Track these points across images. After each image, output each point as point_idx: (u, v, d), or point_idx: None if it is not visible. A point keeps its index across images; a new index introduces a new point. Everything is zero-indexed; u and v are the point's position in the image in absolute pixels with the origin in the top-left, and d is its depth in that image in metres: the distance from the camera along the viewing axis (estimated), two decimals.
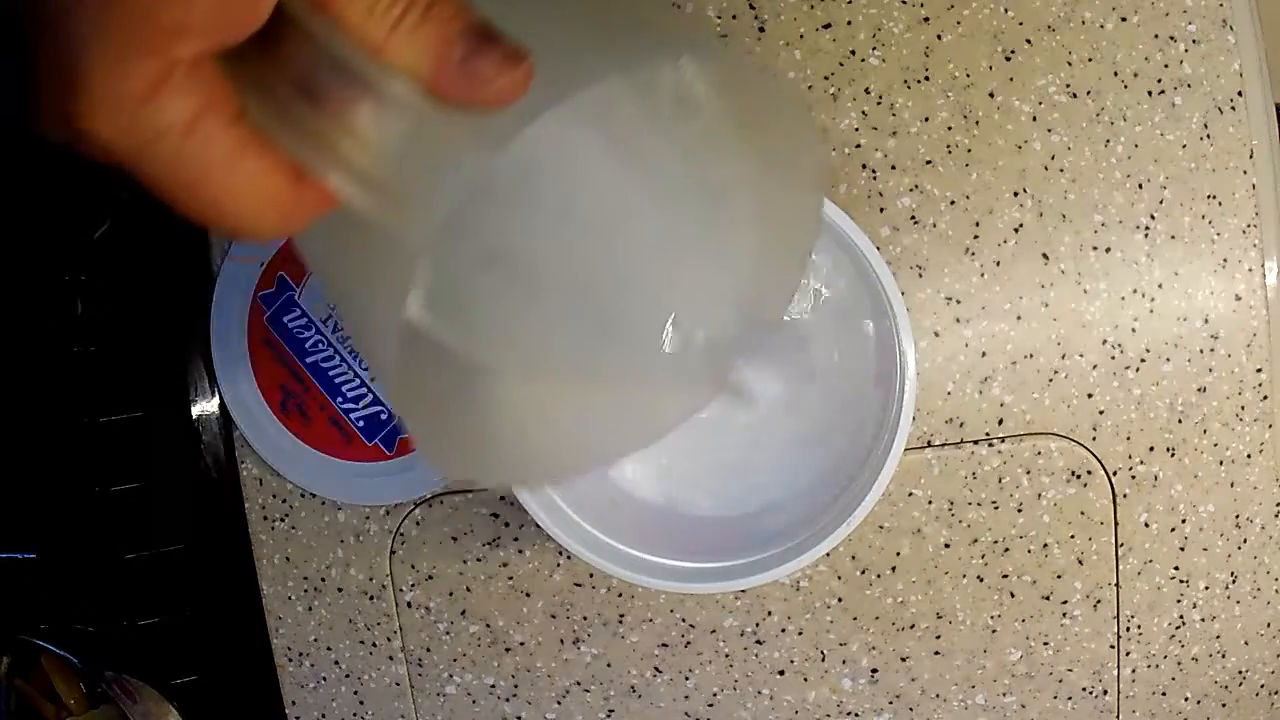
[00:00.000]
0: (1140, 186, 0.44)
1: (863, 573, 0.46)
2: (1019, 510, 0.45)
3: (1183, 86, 0.43)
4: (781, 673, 0.47)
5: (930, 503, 0.45)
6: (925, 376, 0.44)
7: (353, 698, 0.48)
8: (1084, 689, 0.47)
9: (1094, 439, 0.44)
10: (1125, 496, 0.45)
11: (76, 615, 0.47)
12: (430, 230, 0.20)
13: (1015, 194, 0.44)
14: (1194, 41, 0.43)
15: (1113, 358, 0.44)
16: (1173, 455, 0.45)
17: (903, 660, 0.46)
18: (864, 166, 0.44)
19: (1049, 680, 0.47)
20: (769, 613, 0.46)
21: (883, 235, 0.44)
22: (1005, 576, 0.45)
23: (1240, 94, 0.43)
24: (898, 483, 0.45)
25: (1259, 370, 0.44)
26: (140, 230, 0.47)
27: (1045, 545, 0.45)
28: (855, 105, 0.44)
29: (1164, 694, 0.47)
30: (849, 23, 0.44)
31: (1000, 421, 0.44)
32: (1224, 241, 0.44)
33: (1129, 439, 0.44)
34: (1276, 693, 0.48)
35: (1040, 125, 0.43)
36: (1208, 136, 0.44)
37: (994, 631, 0.46)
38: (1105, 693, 0.47)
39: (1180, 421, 0.44)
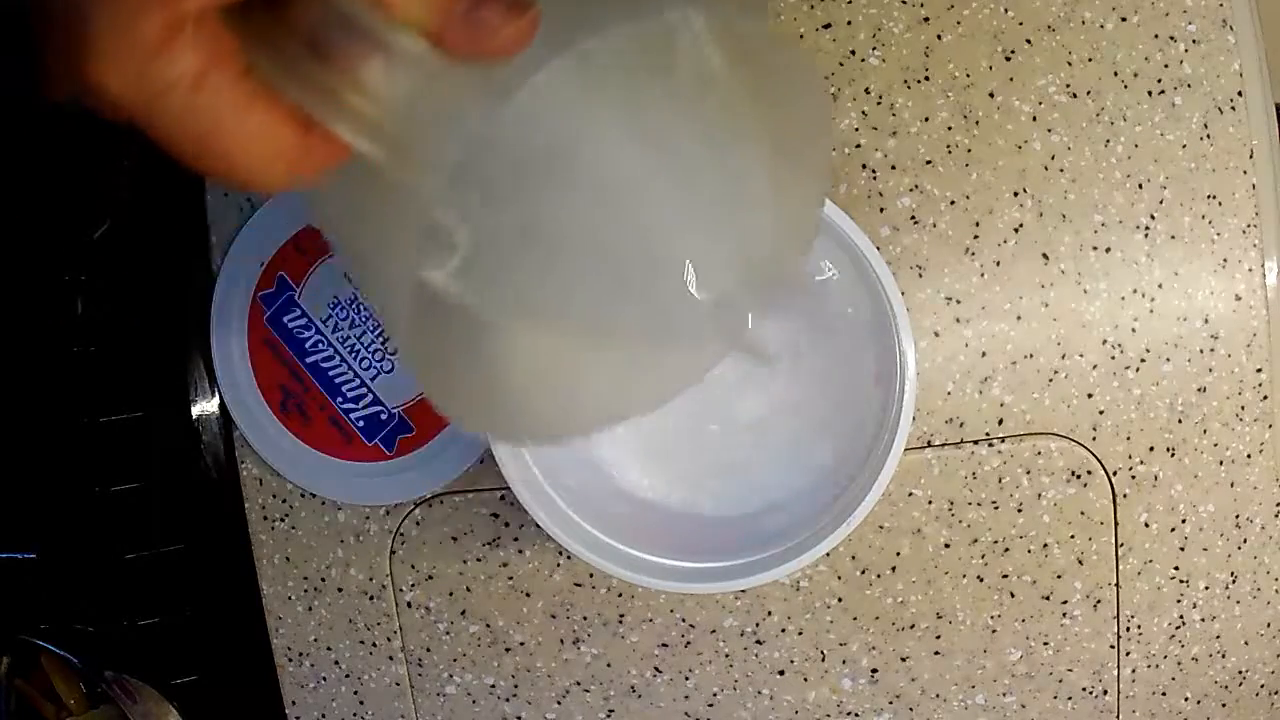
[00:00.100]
0: (1140, 186, 0.44)
1: (863, 573, 0.46)
2: (1019, 510, 0.45)
3: (1183, 86, 0.43)
4: (781, 673, 0.47)
5: (930, 503, 0.45)
6: (925, 376, 0.44)
7: (353, 698, 0.48)
8: (1084, 689, 0.47)
9: (1094, 439, 0.44)
10: (1125, 496, 0.45)
11: (76, 615, 0.47)
12: (440, 178, 0.20)
13: (1015, 194, 0.44)
14: (1194, 41, 0.43)
15: (1113, 358, 0.44)
16: (1173, 455, 0.45)
17: (903, 660, 0.46)
18: (864, 166, 0.44)
19: (1049, 680, 0.47)
20: (769, 613, 0.46)
21: (883, 235, 0.44)
22: (1005, 576, 0.45)
23: (1240, 94, 0.43)
24: (898, 483, 0.45)
25: (1259, 370, 0.44)
26: (140, 230, 0.47)
27: (1045, 545, 0.45)
28: (855, 105, 0.44)
29: (1164, 694, 0.47)
30: (849, 23, 0.44)
31: (1000, 421, 0.44)
32: (1224, 241, 0.44)
33: (1129, 439, 0.44)
34: (1276, 693, 0.48)
35: (1040, 125, 0.43)
36: (1208, 136, 0.44)
37: (994, 631, 0.46)
38: (1105, 693, 0.47)
39: (1180, 421, 0.44)
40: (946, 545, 0.45)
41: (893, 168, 0.44)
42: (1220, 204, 0.44)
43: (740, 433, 0.42)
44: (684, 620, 0.46)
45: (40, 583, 0.47)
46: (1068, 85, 0.43)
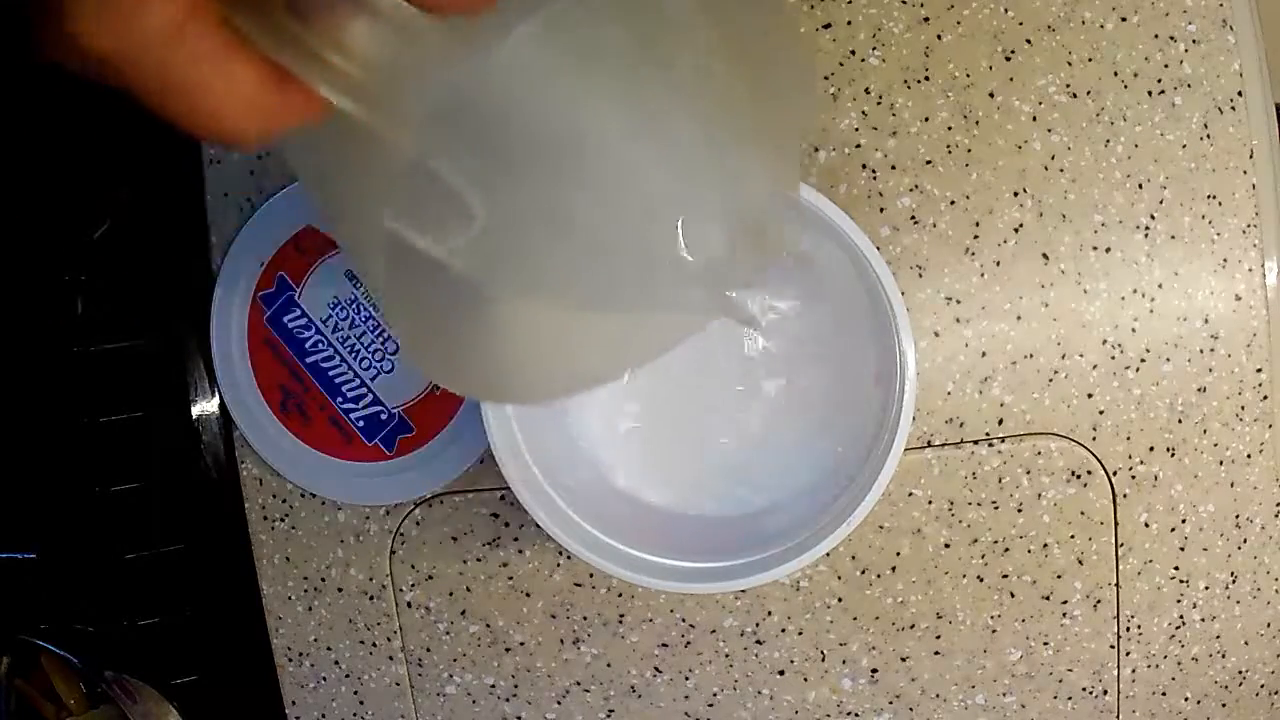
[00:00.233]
0: (1140, 186, 0.44)
1: (863, 573, 0.46)
2: (1019, 510, 0.45)
3: (1183, 86, 0.43)
4: (781, 673, 0.47)
5: (930, 503, 0.45)
6: (925, 376, 0.44)
7: (353, 698, 0.48)
8: (1084, 689, 0.47)
9: (1094, 439, 0.44)
10: (1125, 496, 0.45)
11: (76, 615, 0.47)
12: (419, 130, 0.21)
13: (1015, 194, 0.44)
14: (1194, 41, 0.43)
15: (1113, 358, 0.44)
16: (1173, 455, 0.45)
17: (903, 660, 0.46)
18: (864, 166, 0.44)
19: (1049, 680, 0.47)
20: (769, 613, 0.46)
21: (883, 235, 0.44)
22: (1005, 576, 0.45)
23: (1240, 94, 0.43)
24: (898, 483, 0.45)
25: (1259, 370, 0.44)
26: (140, 230, 0.47)
27: (1045, 545, 0.45)
28: (855, 105, 0.44)
29: (1164, 694, 0.47)
30: (849, 23, 0.44)
31: (1000, 421, 0.44)
32: (1224, 241, 0.44)
33: (1129, 439, 0.44)
34: (1276, 693, 0.48)
35: (1040, 125, 0.43)
36: (1208, 136, 0.44)
37: (994, 631, 0.46)
38: (1105, 693, 0.47)
39: (1180, 421, 0.44)
40: (946, 545, 0.45)
41: (893, 168, 0.44)
42: (1220, 204, 0.44)
43: (740, 433, 0.42)
44: (684, 620, 0.46)
45: (40, 583, 0.47)
46: (1068, 85, 0.43)
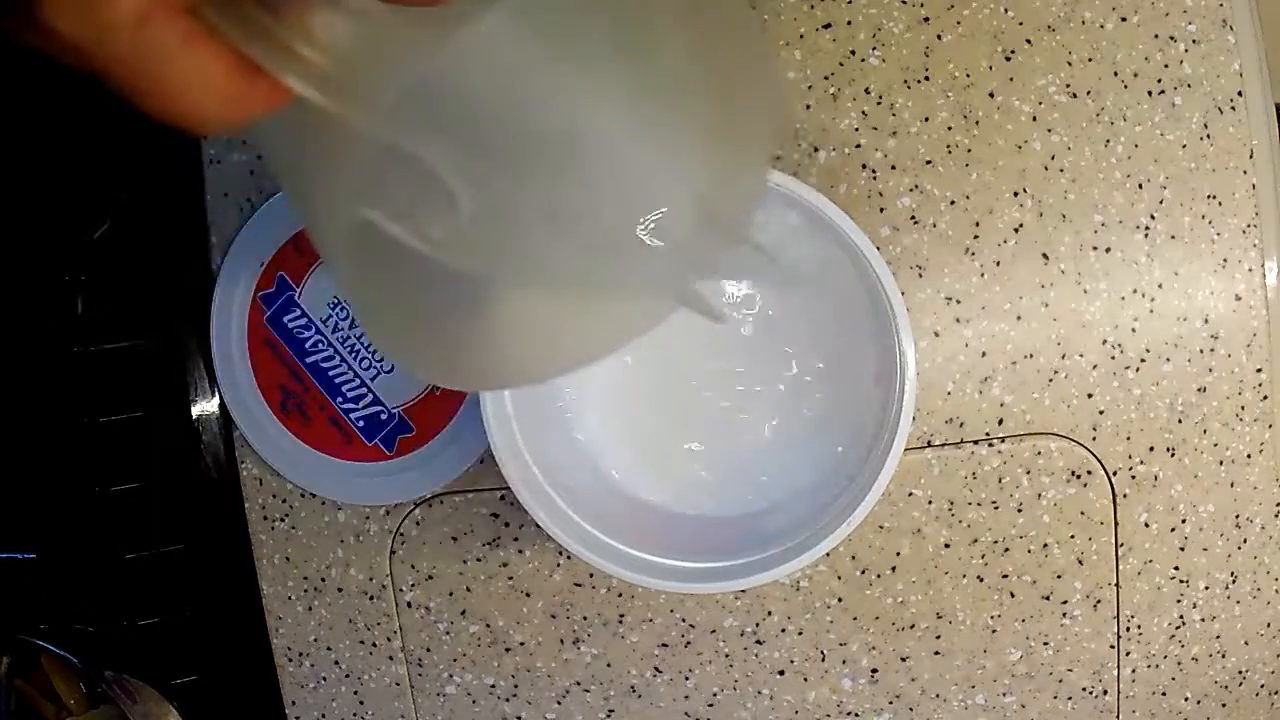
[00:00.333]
0: (1140, 186, 0.44)
1: (863, 573, 0.46)
2: (1019, 510, 0.45)
3: (1183, 86, 0.43)
4: (781, 673, 0.47)
5: (930, 503, 0.45)
6: (925, 376, 0.44)
7: (353, 698, 0.48)
8: (1084, 689, 0.47)
9: (1094, 439, 0.44)
10: (1125, 496, 0.45)
11: (76, 615, 0.47)
12: (382, 118, 0.21)
13: (1015, 194, 0.44)
14: (1194, 41, 0.43)
15: (1113, 358, 0.44)
16: (1173, 455, 0.45)
17: (903, 660, 0.46)
18: (864, 166, 0.44)
19: (1049, 680, 0.47)
20: (769, 613, 0.46)
21: (883, 235, 0.44)
22: (1005, 576, 0.45)
23: (1240, 94, 0.43)
24: (898, 483, 0.45)
25: (1259, 370, 0.44)
26: (140, 230, 0.47)
27: (1045, 545, 0.45)
28: (855, 105, 0.44)
29: (1164, 694, 0.47)
30: (849, 23, 0.44)
31: (1000, 421, 0.44)
32: (1224, 241, 0.44)
33: (1129, 439, 0.44)
34: (1276, 693, 0.48)
35: (1040, 125, 0.43)
36: (1208, 136, 0.44)
37: (994, 631, 0.46)
38: (1105, 693, 0.47)
39: (1180, 421, 0.44)
40: (946, 545, 0.45)
41: (893, 168, 0.44)
42: (1220, 204, 0.44)
43: (740, 433, 0.42)
44: (684, 620, 0.46)
45: (40, 583, 0.47)
46: (1068, 85, 0.43)
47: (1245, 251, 0.44)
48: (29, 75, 0.43)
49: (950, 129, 0.44)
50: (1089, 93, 0.43)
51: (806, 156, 0.44)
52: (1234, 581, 0.46)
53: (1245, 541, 0.46)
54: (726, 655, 0.46)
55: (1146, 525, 0.45)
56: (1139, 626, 0.46)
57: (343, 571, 0.47)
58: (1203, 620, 0.46)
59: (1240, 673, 0.48)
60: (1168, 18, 0.43)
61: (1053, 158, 0.43)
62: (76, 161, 0.46)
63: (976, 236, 0.44)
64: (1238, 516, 0.45)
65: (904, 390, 0.37)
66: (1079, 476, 0.45)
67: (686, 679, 0.47)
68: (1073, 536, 0.45)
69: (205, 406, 0.46)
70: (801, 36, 0.44)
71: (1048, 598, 0.46)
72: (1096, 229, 0.44)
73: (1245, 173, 0.44)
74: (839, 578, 0.46)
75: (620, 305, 0.31)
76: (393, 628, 0.47)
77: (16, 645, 0.47)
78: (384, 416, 0.45)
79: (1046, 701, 0.47)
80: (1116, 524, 0.45)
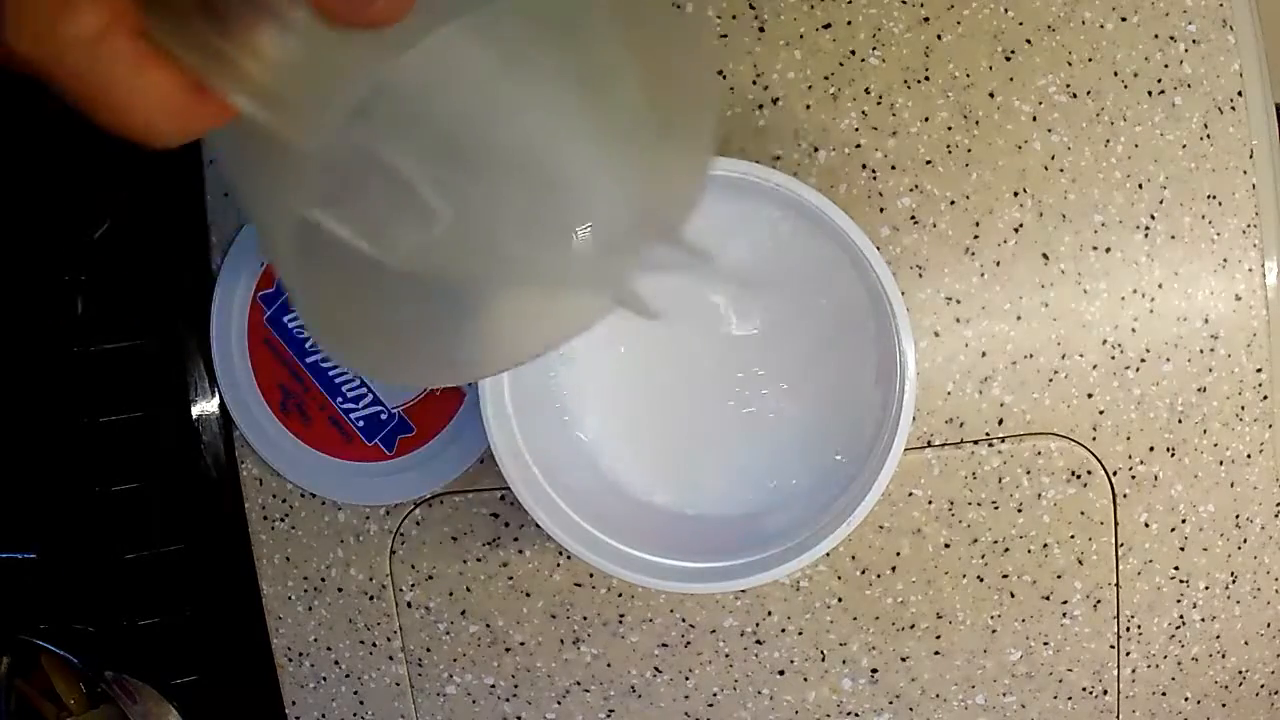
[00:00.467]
0: (1140, 186, 0.44)
1: (863, 573, 0.46)
2: (1019, 510, 0.45)
3: (1183, 86, 0.43)
4: (781, 673, 0.47)
5: (930, 503, 0.45)
6: (925, 376, 0.44)
7: (353, 698, 0.48)
8: (1084, 689, 0.47)
9: (1094, 439, 0.44)
10: (1125, 496, 0.45)
11: (76, 615, 0.47)
12: (321, 141, 0.22)
13: (1015, 194, 0.44)
14: (1194, 41, 0.43)
15: (1113, 358, 0.44)
16: (1173, 455, 0.45)
17: (903, 660, 0.46)
18: (864, 166, 0.44)
19: (1049, 680, 0.47)
20: (769, 613, 0.46)
21: (883, 235, 0.44)
22: (1005, 576, 0.45)
23: (1240, 94, 0.43)
24: (898, 483, 0.45)
25: (1259, 370, 0.44)
26: (140, 230, 0.47)
27: (1045, 545, 0.45)
28: (855, 105, 0.44)
29: (1164, 694, 0.47)
30: (849, 23, 0.44)
31: (1000, 421, 0.44)
32: (1224, 241, 0.44)
33: (1129, 439, 0.44)
34: (1276, 693, 0.48)
35: (1040, 125, 0.43)
36: (1208, 136, 0.44)
37: (994, 631, 0.46)
38: (1105, 693, 0.47)
39: (1180, 421, 0.44)
40: (946, 545, 0.45)
41: (893, 168, 0.44)
42: (1220, 204, 0.44)
43: (740, 433, 0.42)
44: (684, 620, 0.46)
45: (40, 583, 0.47)
46: (1068, 85, 0.43)
47: (1245, 251, 0.44)
48: (29, 75, 0.43)
49: (950, 129, 0.44)
50: (1089, 93, 0.43)
51: (806, 156, 0.44)
52: (1234, 581, 0.46)
53: (1245, 541, 0.46)
54: (726, 655, 0.46)
55: (1146, 525, 0.45)
56: (1139, 626, 0.46)
57: (343, 571, 0.47)
58: (1203, 620, 0.46)
59: (1240, 673, 0.48)
60: (1168, 18, 0.43)
61: (1053, 158, 0.43)
62: (76, 161, 0.46)
63: (976, 236, 0.44)
64: (1238, 516, 0.45)
65: (904, 390, 0.37)
66: (1079, 476, 0.45)
67: (686, 679, 0.47)
68: (1073, 536, 0.45)
69: (205, 406, 0.46)
70: (801, 36, 0.44)
71: (1048, 598, 0.46)
72: (1096, 229, 0.44)
73: (1245, 173, 0.44)
74: (839, 578, 0.46)
75: (558, 304, 0.32)
76: (393, 628, 0.47)
77: (16, 645, 0.47)
78: (384, 416, 0.45)
79: (1046, 701, 0.47)
80: (1116, 524, 0.45)
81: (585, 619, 0.46)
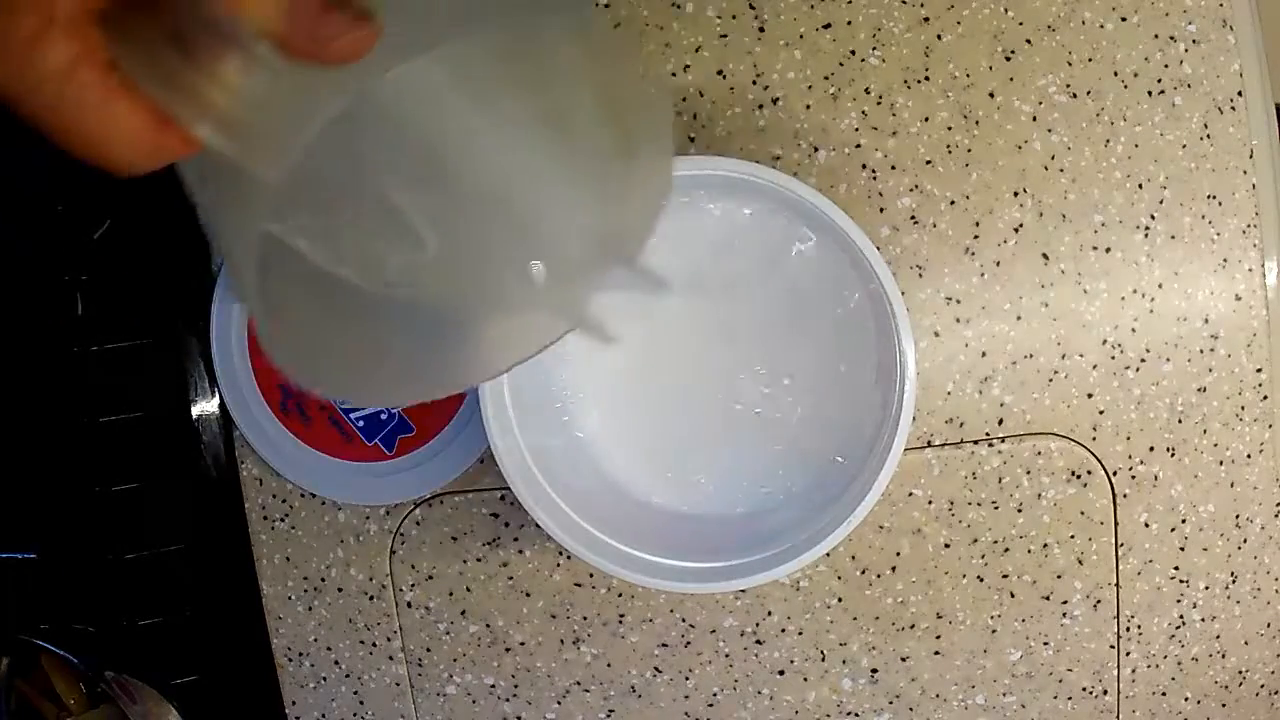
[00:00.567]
0: (1140, 186, 0.44)
1: (863, 573, 0.46)
2: (1019, 510, 0.45)
3: (1183, 86, 0.43)
4: (781, 673, 0.47)
5: (930, 503, 0.45)
6: (925, 376, 0.44)
7: (353, 698, 0.48)
8: (1084, 689, 0.47)
9: (1094, 439, 0.44)
10: (1125, 496, 0.45)
11: (76, 615, 0.47)
12: (282, 173, 0.22)
13: (1015, 194, 0.44)
14: (1194, 41, 0.43)
15: (1113, 358, 0.44)
16: (1173, 455, 0.45)
17: (903, 660, 0.46)
18: (864, 166, 0.44)
19: (1049, 680, 0.47)
20: (769, 613, 0.46)
21: (883, 235, 0.44)
22: (1005, 576, 0.45)
23: (1240, 94, 0.43)
24: (898, 483, 0.45)
25: (1259, 370, 0.44)
26: (140, 230, 0.47)
27: (1045, 545, 0.45)
28: (855, 105, 0.44)
29: (1164, 694, 0.47)
30: (849, 23, 0.44)
31: (1000, 421, 0.44)
32: (1224, 241, 0.44)
33: (1129, 439, 0.44)
34: (1276, 693, 0.48)
35: (1040, 125, 0.43)
36: (1208, 136, 0.44)
37: (994, 631, 0.46)
38: (1105, 693, 0.47)
39: (1180, 421, 0.44)
40: (946, 545, 0.45)
41: (893, 168, 0.44)
42: (1220, 204, 0.44)
43: (740, 433, 0.42)
44: (684, 620, 0.46)
45: (40, 583, 0.47)
46: (1068, 85, 0.43)
47: (1245, 251, 0.44)
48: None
49: (950, 129, 0.44)
50: (1089, 93, 0.43)
51: (806, 156, 0.44)
52: (1234, 581, 0.46)
53: (1245, 541, 0.46)
54: (726, 655, 0.46)
55: (1146, 525, 0.45)
56: (1139, 626, 0.46)
57: (343, 571, 0.47)
58: (1203, 620, 0.46)
59: (1240, 673, 0.48)
60: (1168, 18, 0.43)
61: (1053, 158, 0.43)
62: (76, 161, 0.46)
63: (976, 236, 0.44)
64: (1238, 516, 0.45)
65: (904, 390, 0.37)
66: (1079, 476, 0.45)
67: (686, 679, 0.47)
68: (1073, 536, 0.45)
69: (205, 406, 0.46)
70: (801, 36, 0.44)
71: (1048, 598, 0.46)
72: (1096, 229, 0.44)
73: (1245, 173, 0.44)
74: (839, 578, 0.46)
75: (521, 324, 0.33)
76: (393, 628, 0.47)
77: (16, 645, 0.47)
78: (384, 416, 0.45)
79: (1046, 701, 0.47)
80: (1116, 524, 0.45)
81: (585, 619, 0.46)
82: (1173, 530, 0.45)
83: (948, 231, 0.44)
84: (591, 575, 0.46)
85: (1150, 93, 0.43)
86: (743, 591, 0.46)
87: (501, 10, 0.26)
